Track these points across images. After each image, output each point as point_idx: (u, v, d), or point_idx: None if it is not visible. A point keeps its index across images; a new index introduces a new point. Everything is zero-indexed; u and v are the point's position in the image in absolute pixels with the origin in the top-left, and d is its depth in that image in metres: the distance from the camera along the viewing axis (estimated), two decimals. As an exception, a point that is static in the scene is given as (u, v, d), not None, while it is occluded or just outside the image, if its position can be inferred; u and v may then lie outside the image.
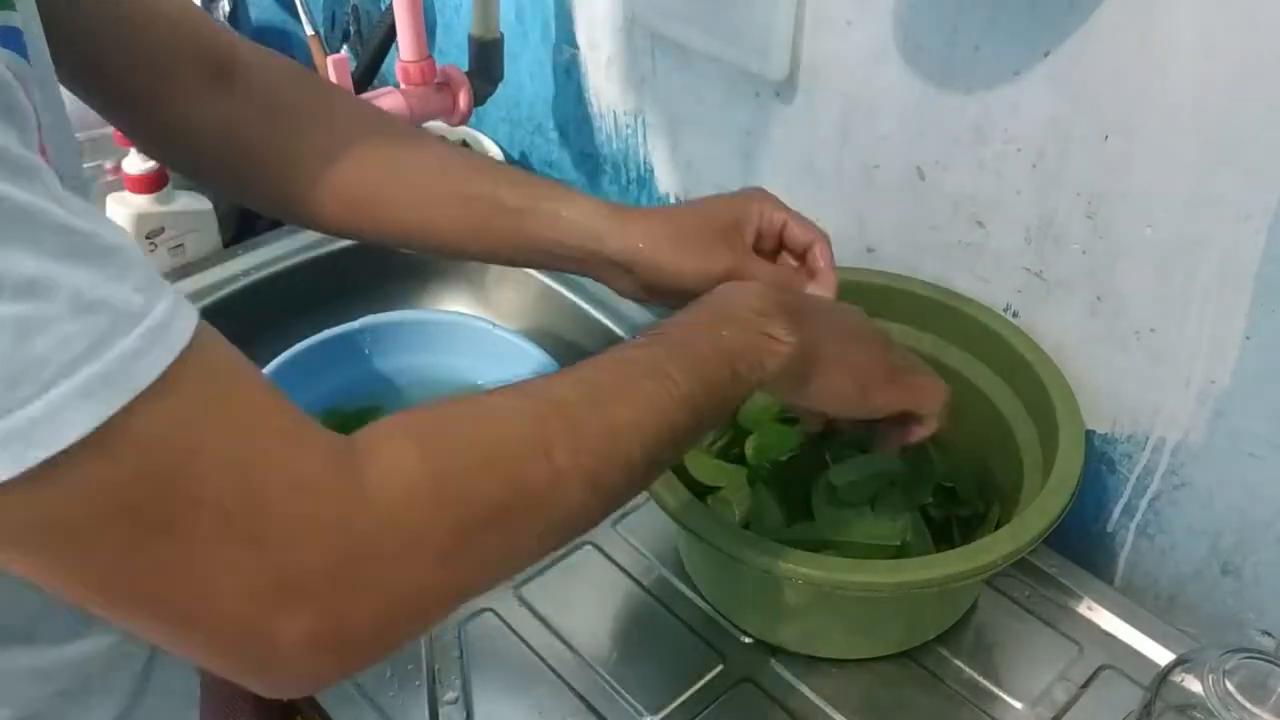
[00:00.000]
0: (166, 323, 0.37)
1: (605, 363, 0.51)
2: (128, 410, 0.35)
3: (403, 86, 0.99)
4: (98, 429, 0.35)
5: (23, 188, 0.35)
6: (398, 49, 1.04)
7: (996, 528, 0.72)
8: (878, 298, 0.87)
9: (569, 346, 1.07)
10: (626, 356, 0.52)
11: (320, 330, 0.98)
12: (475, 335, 1.01)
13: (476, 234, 0.68)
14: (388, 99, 0.98)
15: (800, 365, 0.58)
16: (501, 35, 1.03)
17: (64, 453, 0.34)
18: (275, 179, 0.68)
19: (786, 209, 0.70)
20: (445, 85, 1.01)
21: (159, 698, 0.58)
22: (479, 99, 1.04)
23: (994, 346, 0.82)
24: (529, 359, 0.97)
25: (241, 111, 0.66)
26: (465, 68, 1.05)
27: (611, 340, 1.06)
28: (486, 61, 1.04)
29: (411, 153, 0.69)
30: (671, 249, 0.66)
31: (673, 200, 1.07)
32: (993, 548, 0.67)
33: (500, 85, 1.08)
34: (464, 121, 1.04)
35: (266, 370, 0.90)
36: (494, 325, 1.02)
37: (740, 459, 0.81)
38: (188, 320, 0.38)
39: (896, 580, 0.66)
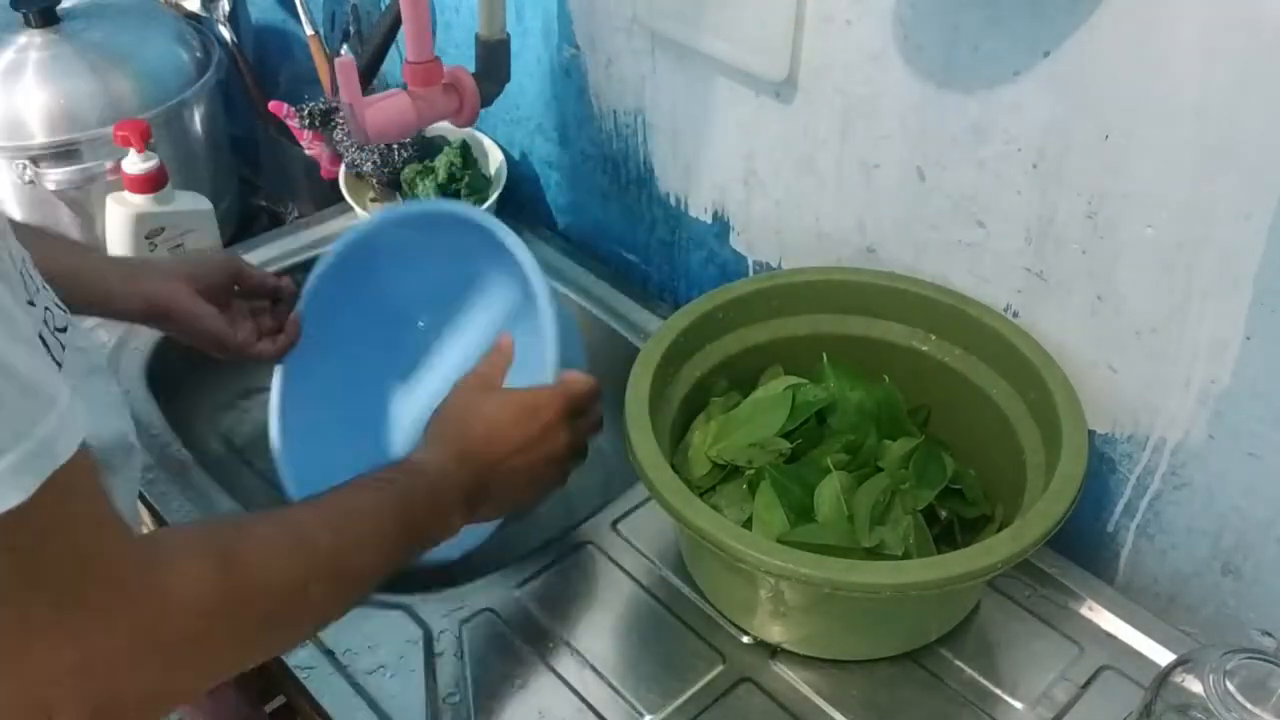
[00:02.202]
0: (69, 415, 0.44)
1: (352, 510, 0.62)
2: (41, 488, 0.42)
3: (410, 88, 0.98)
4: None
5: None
6: (399, 49, 1.03)
7: (1000, 529, 0.72)
8: (878, 298, 0.86)
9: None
10: (365, 506, 0.63)
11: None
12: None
13: None
14: (395, 100, 0.97)
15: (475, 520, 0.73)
16: (508, 36, 1.03)
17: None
18: None
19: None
20: (452, 87, 1.00)
21: None
22: (486, 100, 1.03)
23: (997, 347, 0.82)
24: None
25: None
26: (470, 68, 1.04)
27: (613, 339, 1.06)
28: (493, 63, 1.03)
29: None
30: (190, 301, 0.83)
31: (672, 201, 1.07)
32: (995, 550, 0.67)
33: (501, 85, 1.08)
34: (470, 123, 1.04)
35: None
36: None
37: (737, 469, 0.81)
38: (78, 418, 0.45)
39: (897, 582, 0.66)
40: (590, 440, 0.79)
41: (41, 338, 0.54)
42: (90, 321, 0.87)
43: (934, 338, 0.86)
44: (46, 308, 0.57)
